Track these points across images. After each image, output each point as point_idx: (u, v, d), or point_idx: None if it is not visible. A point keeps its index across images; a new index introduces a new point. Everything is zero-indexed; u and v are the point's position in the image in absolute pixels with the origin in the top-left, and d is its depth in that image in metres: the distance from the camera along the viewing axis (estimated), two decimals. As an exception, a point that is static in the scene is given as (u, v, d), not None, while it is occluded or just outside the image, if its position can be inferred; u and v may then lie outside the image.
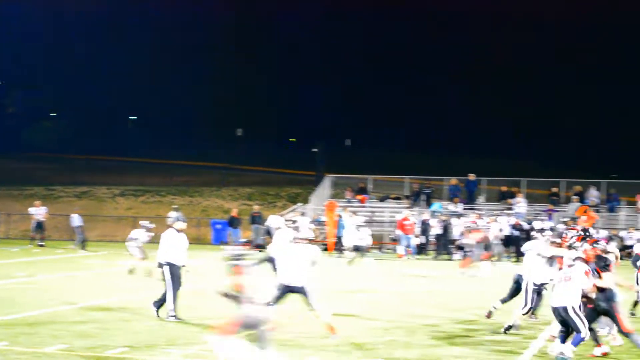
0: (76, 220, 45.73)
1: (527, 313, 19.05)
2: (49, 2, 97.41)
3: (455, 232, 42.46)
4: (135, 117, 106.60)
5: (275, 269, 18.61)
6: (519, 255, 33.22)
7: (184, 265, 20.00)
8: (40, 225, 45.90)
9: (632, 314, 21.22)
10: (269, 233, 43.77)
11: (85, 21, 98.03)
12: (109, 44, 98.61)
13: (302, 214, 47.89)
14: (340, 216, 44.79)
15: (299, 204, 52.53)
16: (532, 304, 18.85)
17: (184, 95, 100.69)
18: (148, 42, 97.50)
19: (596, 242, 16.68)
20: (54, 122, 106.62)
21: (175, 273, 19.73)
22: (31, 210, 46.71)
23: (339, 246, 43.88)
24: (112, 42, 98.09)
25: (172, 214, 20.47)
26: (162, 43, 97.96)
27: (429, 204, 48.64)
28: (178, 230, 20.02)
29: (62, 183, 65.07)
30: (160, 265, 19.99)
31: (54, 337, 17.17)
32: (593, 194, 48.41)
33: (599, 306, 16.10)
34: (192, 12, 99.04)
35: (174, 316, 19.59)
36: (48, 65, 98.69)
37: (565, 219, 42.25)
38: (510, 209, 46.65)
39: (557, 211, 46.42)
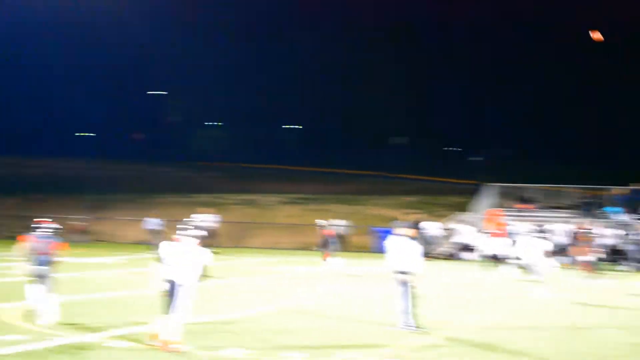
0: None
1: None
2: (211, 15, 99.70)
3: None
4: (299, 127, 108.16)
5: None
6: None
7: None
8: (209, 233, 47.08)
9: None
10: (428, 242, 44.04)
11: (246, 31, 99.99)
12: (272, 54, 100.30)
13: (464, 223, 47.86)
14: (506, 225, 44.39)
15: (460, 213, 52.40)
16: None
17: (345, 104, 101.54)
18: (311, 52, 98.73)
19: None
20: (219, 131, 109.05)
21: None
22: (197, 217, 48.00)
23: (503, 257, 43.49)
24: (275, 51, 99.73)
25: (399, 223, 20.32)
26: (325, 53, 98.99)
27: (597, 214, 47.68)
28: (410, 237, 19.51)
29: (228, 191, 66.58)
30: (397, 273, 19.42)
31: (276, 342, 17.73)
32: None
33: None
34: (357, 27, 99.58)
35: (411, 325, 19.24)
36: (213, 74, 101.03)
37: None
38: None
39: None
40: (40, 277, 19.02)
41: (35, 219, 19.88)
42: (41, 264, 18.93)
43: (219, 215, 49.34)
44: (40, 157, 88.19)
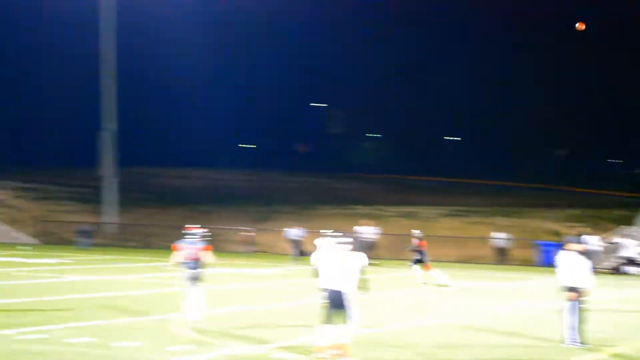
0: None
1: None
2: (373, 29, 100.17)
3: None
4: (458, 139, 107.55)
5: None
6: None
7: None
8: (369, 245, 47.29)
9: None
10: (591, 256, 42.99)
11: (405, 44, 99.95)
12: (432, 66, 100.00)
13: (629, 236, 46.68)
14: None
15: (624, 226, 51.06)
16: None
17: (506, 116, 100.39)
18: (473, 63, 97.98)
19: None
20: (379, 143, 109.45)
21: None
22: (357, 229, 48.24)
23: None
24: (435, 63, 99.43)
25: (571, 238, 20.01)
26: (488, 64, 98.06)
27: None
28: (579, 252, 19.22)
29: (388, 202, 66.68)
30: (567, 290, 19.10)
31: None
32: None
33: None
34: (527, 37, 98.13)
35: (576, 341, 18.90)
36: (374, 86, 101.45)
37: None
38: None
39: None
40: (192, 280, 20.69)
41: (185, 226, 21.57)
42: (192, 267, 20.65)
43: (378, 228, 49.44)
44: (204, 168, 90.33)
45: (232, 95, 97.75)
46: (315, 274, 16.16)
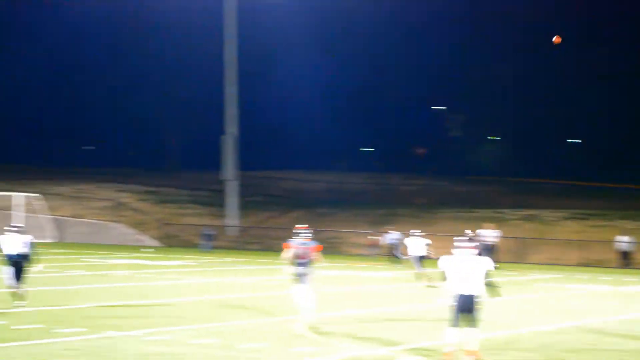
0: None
1: None
2: (490, 31, 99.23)
3: None
4: (579, 141, 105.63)
5: None
6: None
7: None
8: (490, 249, 46.84)
9: None
10: None
11: (522, 44, 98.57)
12: (553, 64, 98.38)
13: None
14: None
15: None
16: None
17: (628, 117, 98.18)
18: (591, 61, 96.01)
19: None
20: (499, 145, 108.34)
21: None
22: (480, 232, 47.83)
23: None
24: (555, 62, 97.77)
25: None
26: (604, 62, 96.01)
27: None
28: None
29: (509, 205, 65.95)
30: None
31: None
32: None
33: None
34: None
35: None
36: (493, 88, 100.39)
37: None
38: None
39: None
40: (302, 277, 21.47)
41: (296, 226, 22.83)
42: (301, 266, 21.48)
43: (499, 231, 48.97)
44: (324, 171, 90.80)
45: (352, 98, 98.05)
46: (444, 277, 16.10)
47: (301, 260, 21.49)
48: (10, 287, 24.13)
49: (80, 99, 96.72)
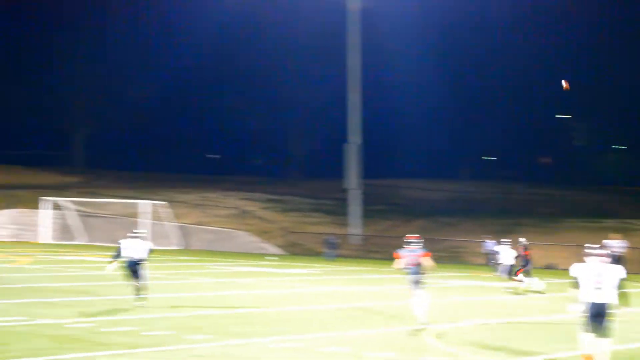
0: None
1: None
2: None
3: None
4: None
5: None
6: None
7: None
8: (617, 259, 45.81)
9: None
10: None
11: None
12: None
13: None
14: None
15: None
16: None
17: None
18: None
19: None
20: (622, 155, 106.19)
21: None
22: (607, 242, 46.86)
23: None
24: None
25: None
26: None
27: None
28: None
29: (634, 216, 64.42)
30: None
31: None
32: None
33: None
34: None
35: None
36: (612, 98, 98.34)
37: None
38: None
39: None
40: (414, 284, 22.57)
41: (407, 235, 23.96)
42: (413, 273, 22.58)
43: (626, 241, 47.87)
44: (446, 180, 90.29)
45: (475, 105, 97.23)
46: (575, 286, 15.84)
47: (413, 268, 22.54)
48: (131, 286, 26.08)
49: (207, 109, 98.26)
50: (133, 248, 26.03)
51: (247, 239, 63.45)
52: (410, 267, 22.53)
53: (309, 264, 50.36)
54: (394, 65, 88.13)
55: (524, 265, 35.27)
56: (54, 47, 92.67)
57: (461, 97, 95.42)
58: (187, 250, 61.58)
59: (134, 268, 25.91)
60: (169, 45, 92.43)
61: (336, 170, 69.39)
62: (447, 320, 24.18)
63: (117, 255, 26.15)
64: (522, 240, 36.86)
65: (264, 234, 64.44)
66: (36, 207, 67.14)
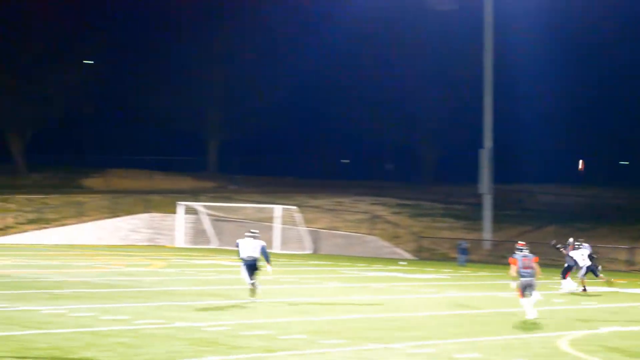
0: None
1: None
2: None
3: None
4: None
5: None
6: None
7: None
8: None
9: None
10: None
11: None
12: None
13: None
14: None
15: None
16: None
17: None
18: None
19: None
20: None
21: None
22: None
23: None
24: None
25: None
26: None
27: None
28: None
29: None
30: None
31: None
32: None
33: None
34: None
35: None
36: None
37: None
38: None
39: None
40: (529, 286, 24.96)
41: (518, 242, 26.72)
42: (527, 275, 25.01)
43: None
44: (580, 185, 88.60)
45: (610, 110, 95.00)
46: None
47: (526, 271, 24.96)
48: (247, 283, 28.43)
49: (338, 114, 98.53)
50: (248, 247, 28.29)
51: (377, 244, 63.63)
52: (525, 270, 24.92)
53: (440, 269, 50.28)
54: (524, 66, 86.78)
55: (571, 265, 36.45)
56: (192, 56, 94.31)
57: (598, 101, 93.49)
58: (317, 254, 62.15)
59: (249, 265, 28.14)
60: (299, 56, 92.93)
61: (465, 175, 68.87)
62: (583, 327, 23.91)
63: (239, 255, 28.51)
64: (571, 240, 37.63)
65: (394, 238, 64.52)
66: (170, 212, 68.77)
